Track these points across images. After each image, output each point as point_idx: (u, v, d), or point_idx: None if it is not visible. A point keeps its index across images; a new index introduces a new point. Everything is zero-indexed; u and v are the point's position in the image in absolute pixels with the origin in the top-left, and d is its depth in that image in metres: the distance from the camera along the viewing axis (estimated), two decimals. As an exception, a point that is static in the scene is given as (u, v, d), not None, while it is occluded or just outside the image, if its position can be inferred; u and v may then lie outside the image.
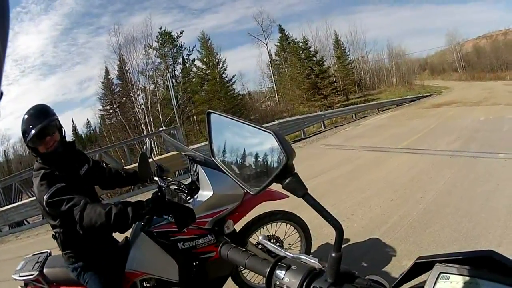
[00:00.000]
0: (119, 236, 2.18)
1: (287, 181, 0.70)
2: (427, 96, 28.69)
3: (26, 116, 1.96)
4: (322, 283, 0.74)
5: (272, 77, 37.40)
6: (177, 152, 8.10)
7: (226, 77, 35.75)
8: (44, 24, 51.64)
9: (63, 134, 2.09)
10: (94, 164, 2.36)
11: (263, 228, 2.70)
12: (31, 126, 1.92)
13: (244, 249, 1.04)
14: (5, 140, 40.21)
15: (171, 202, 1.89)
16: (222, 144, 0.96)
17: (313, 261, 0.82)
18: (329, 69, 37.38)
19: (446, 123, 10.85)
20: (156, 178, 2.27)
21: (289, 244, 2.85)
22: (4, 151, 40.52)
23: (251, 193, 0.79)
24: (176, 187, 2.43)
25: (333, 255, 0.73)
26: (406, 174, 5.20)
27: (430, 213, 3.63)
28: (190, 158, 2.50)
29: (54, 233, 2.12)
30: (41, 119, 1.93)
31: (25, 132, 1.94)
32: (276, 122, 11.44)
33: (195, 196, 2.32)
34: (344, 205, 4.03)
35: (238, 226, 2.53)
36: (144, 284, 2.34)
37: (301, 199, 0.71)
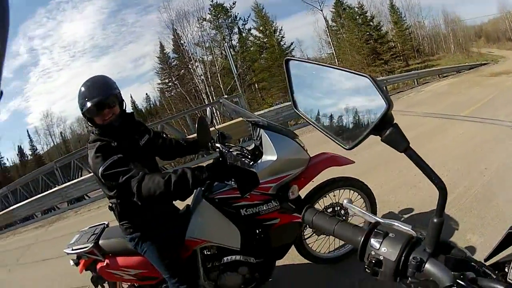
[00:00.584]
0: (180, 204, 2.11)
1: (387, 132, 0.62)
2: (484, 64, 27.59)
3: (82, 89, 1.90)
4: (422, 254, 0.65)
5: (331, 43, 36.33)
6: (240, 119, 8.08)
7: (284, 44, 35.16)
8: (88, 9, 53.64)
9: (124, 108, 2.01)
10: (154, 135, 2.28)
11: (325, 197, 2.52)
12: (87, 99, 1.86)
13: (331, 215, 0.88)
14: (61, 122, 43.14)
15: (233, 166, 1.74)
16: (306, 94, 0.86)
17: (406, 228, 0.72)
18: (387, 34, 35.90)
19: (506, 93, 10.18)
20: (217, 145, 2.15)
21: (354, 212, 2.62)
22: (61, 132, 43.62)
23: (345, 148, 0.71)
24: (239, 152, 2.28)
25: (435, 220, 0.65)
26: (469, 143, 4.91)
27: (494, 185, 3.39)
28: (252, 122, 2.34)
29: (110, 204, 2.09)
30: (99, 91, 1.87)
31: (81, 104, 1.89)
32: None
33: (258, 161, 2.17)
34: (411, 172, 3.74)
35: (302, 193, 2.34)
36: (205, 252, 2.26)
37: (398, 156, 0.64)
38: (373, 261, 0.69)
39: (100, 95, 1.86)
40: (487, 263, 0.65)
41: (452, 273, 0.61)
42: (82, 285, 3.37)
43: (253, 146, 2.36)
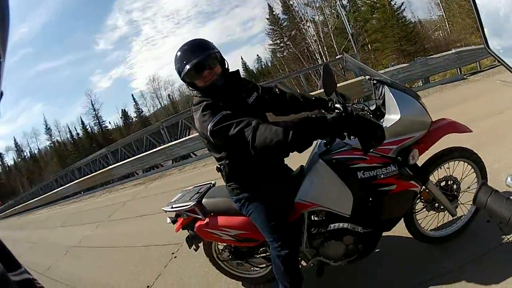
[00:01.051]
0: (293, 166, 2.02)
1: None
2: None
3: (179, 53, 1.83)
4: None
5: (440, 4, 34.54)
6: (352, 81, 7.86)
7: (395, 4, 33.45)
8: (188, -23, 53.29)
9: (226, 67, 1.92)
10: (264, 91, 2.16)
11: (440, 168, 2.28)
12: (185, 62, 1.79)
13: (508, 197, 0.70)
14: (169, 85, 46.04)
15: (359, 117, 1.53)
16: (502, 28, 0.69)
17: None
18: None
19: None
20: (337, 105, 1.98)
21: (468, 187, 2.37)
22: (169, 94, 46.78)
23: None
24: (361, 110, 2.10)
25: None
26: None
27: None
28: (375, 81, 2.14)
29: (218, 166, 2.04)
30: (197, 53, 1.79)
31: (179, 69, 1.83)
32: (453, 51, 10.17)
33: (381, 121, 1.98)
34: None
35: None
36: (312, 217, 2.14)
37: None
38: None
39: (198, 56, 1.77)
40: None
41: None
42: (176, 242, 3.43)
43: (374, 106, 2.16)
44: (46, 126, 46.81)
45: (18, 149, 48.21)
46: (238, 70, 2.03)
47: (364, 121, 1.52)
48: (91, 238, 5.14)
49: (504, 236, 2.26)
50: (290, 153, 1.74)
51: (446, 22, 33.55)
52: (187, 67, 1.77)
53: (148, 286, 3.11)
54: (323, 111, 2.21)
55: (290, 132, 1.49)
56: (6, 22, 0.33)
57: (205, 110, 1.75)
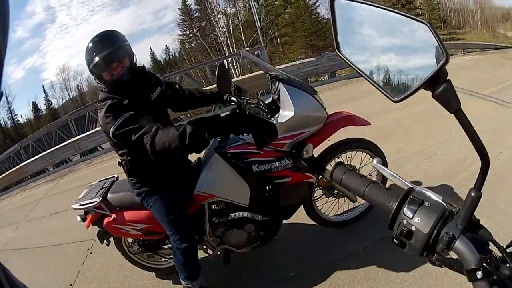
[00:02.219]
0: (191, 157, 2.08)
1: (440, 88, 0.58)
2: (510, 47, 26.84)
3: (90, 44, 1.80)
4: (454, 229, 0.60)
5: None
6: (259, 73, 7.84)
7: (309, 0, 34.02)
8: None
9: (134, 61, 1.90)
10: (167, 86, 2.18)
11: (338, 158, 2.43)
12: (94, 54, 1.77)
13: (362, 174, 0.81)
14: (78, 75, 43.00)
15: (252, 116, 1.66)
16: (351, 37, 0.79)
17: (438, 199, 0.66)
18: (415, 0, 34.95)
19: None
20: (233, 98, 2.04)
21: (369, 174, 2.52)
22: (77, 85, 43.56)
23: (393, 100, 0.66)
24: (255, 105, 2.18)
25: (473, 194, 0.61)
26: (488, 123, 4.69)
27: (507, 169, 3.23)
28: (272, 75, 2.22)
29: (120, 161, 2.07)
30: (107, 45, 1.77)
31: (89, 60, 1.80)
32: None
33: (275, 116, 2.08)
34: (427, 142, 3.69)
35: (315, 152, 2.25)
36: (212, 208, 2.21)
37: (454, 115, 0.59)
38: (404, 231, 0.63)
39: (108, 48, 1.76)
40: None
41: (479, 255, 0.58)
42: (89, 238, 3.37)
43: (270, 100, 2.25)
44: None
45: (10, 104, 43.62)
46: (144, 66, 2.06)
47: (257, 119, 1.62)
48: (14, 240, 4.93)
49: None
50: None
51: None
52: (96, 59, 1.76)
53: (71, 285, 3.05)
54: (220, 104, 2.29)
55: (186, 135, 1.55)
56: (6, 22, 0.33)
57: (108, 111, 1.76)
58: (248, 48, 13.44)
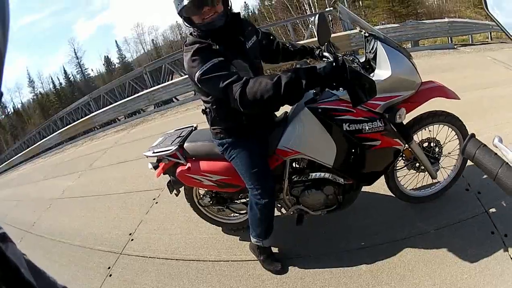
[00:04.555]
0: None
1: None
2: None
3: None
4: None
5: None
6: (341, 34, 7.66)
7: None
8: None
9: (228, 7, 1.77)
10: (263, 36, 2.10)
11: (424, 129, 2.30)
12: None
13: (495, 153, 0.77)
14: (153, 30, 44.95)
15: (352, 69, 1.50)
16: None
17: None
18: None
19: None
20: (326, 54, 1.92)
21: (449, 152, 2.43)
22: (152, 40, 45.71)
23: None
24: (351, 61, 2.04)
25: None
26: None
27: None
28: (367, 34, 2.08)
29: (204, 108, 2.00)
30: None
31: (178, 2, 1.67)
32: (446, 20, 9.92)
33: (371, 75, 1.95)
34: (506, 129, 3.36)
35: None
36: (294, 165, 2.16)
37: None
38: None
39: None
40: None
41: None
42: (157, 188, 3.43)
43: (364, 59, 2.11)
44: (29, 79, 45.40)
45: (2, 106, 46.83)
46: (239, 12, 1.92)
47: (357, 73, 1.50)
48: (73, 188, 5.11)
49: (482, 207, 2.31)
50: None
51: (443, -10, 32.61)
52: (185, 1, 1.63)
53: (130, 234, 3.15)
54: (312, 60, 2.18)
55: (281, 85, 1.47)
56: (6, 22, 0.32)
57: (195, 54, 1.67)
58: (330, 8, 13.08)
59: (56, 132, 12.98)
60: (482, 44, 10.12)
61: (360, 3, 31.40)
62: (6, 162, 18.41)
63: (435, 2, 32.89)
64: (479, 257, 2.00)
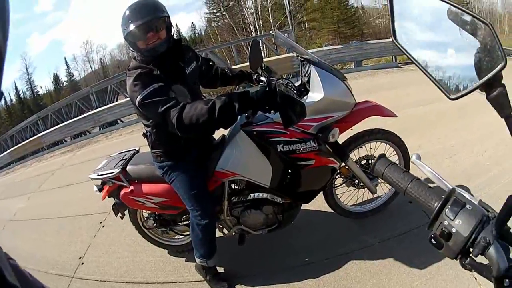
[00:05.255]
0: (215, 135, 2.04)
1: (495, 92, 0.58)
2: None
3: (127, 12, 1.75)
4: (489, 235, 0.60)
5: None
6: (285, 56, 7.76)
7: None
8: None
9: (171, 33, 1.86)
10: (202, 62, 2.17)
11: (361, 147, 2.40)
12: (130, 21, 1.72)
13: (405, 169, 0.80)
14: (101, 48, 43.76)
15: (282, 93, 1.57)
16: (408, 26, 0.78)
17: (474, 202, 0.66)
18: None
19: None
20: (262, 78, 2.03)
21: None
22: (100, 58, 44.46)
23: (449, 97, 0.66)
24: (285, 85, 2.13)
25: None
26: None
27: None
28: (302, 58, 2.19)
29: (145, 132, 2.04)
30: (145, 13, 1.72)
31: (124, 27, 1.75)
32: (391, 39, 10.25)
33: (304, 98, 2.05)
34: (449, 142, 3.61)
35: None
36: (232, 186, 2.19)
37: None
38: (445, 232, 0.63)
39: (145, 17, 1.71)
40: None
41: (508, 263, 0.58)
42: (103, 211, 3.36)
43: (299, 82, 2.21)
44: (-22, 95, 43.50)
45: None
46: (181, 38, 2.01)
47: (286, 97, 1.56)
48: (24, 210, 4.93)
49: (427, 217, 2.40)
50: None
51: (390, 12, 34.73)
52: (132, 26, 1.71)
53: (80, 257, 3.06)
54: (249, 84, 2.25)
55: (216, 109, 1.51)
56: (6, 22, 0.32)
57: (137, 79, 1.72)
58: (276, 30, 13.34)
59: (6, 152, 12.46)
60: None
61: (306, 25, 32.57)
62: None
63: (382, 23, 34.44)
64: (428, 264, 2.07)
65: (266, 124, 1.99)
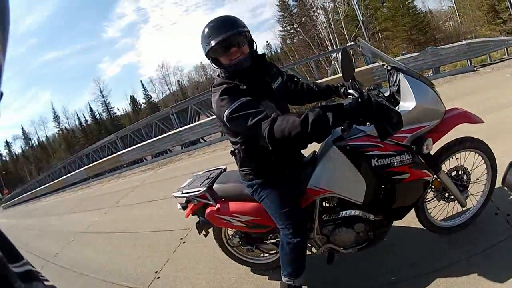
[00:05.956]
0: (305, 152, 2.01)
1: None
2: None
3: (206, 29, 1.76)
4: None
5: None
6: (364, 68, 7.77)
7: None
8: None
9: (254, 48, 1.85)
10: (287, 78, 2.16)
11: (452, 158, 2.27)
12: (210, 38, 1.72)
13: None
14: (178, 71, 46.74)
15: (378, 102, 1.50)
16: None
17: None
18: None
19: None
20: (351, 91, 1.96)
21: (477, 178, 2.38)
22: (178, 80, 47.67)
23: None
24: (376, 95, 2.06)
25: None
26: None
27: None
28: (389, 67, 2.11)
29: (233, 149, 2.02)
30: (226, 29, 1.72)
31: (205, 44, 1.76)
32: (464, 42, 9.99)
33: (396, 108, 1.92)
34: None
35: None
36: (324, 204, 2.14)
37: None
38: None
39: (227, 32, 1.71)
40: None
41: None
42: (184, 227, 3.42)
43: (388, 93, 2.13)
44: (54, 114, 47.53)
45: (26, 137, 48.65)
46: (265, 54, 1.98)
47: (383, 106, 1.50)
48: (99, 224, 5.16)
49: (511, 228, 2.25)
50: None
51: (457, 13, 33.17)
52: (213, 42, 1.71)
53: (157, 272, 3.13)
54: (337, 98, 2.20)
55: (309, 122, 1.47)
56: (6, 22, 0.32)
57: (224, 94, 1.71)
58: (351, 43, 13.37)
59: (82, 168, 13.31)
60: (500, 62, 10.16)
61: (380, 35, 32.29)
62: (30, 192, 18.83)
63: (451, 26, 33.45)
64: None
65: (360, 138, 1.93)
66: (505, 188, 0.95)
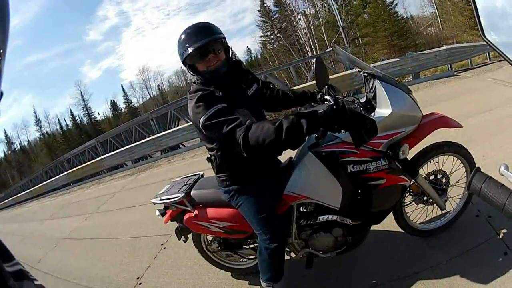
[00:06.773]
0: (281, 157, 2.02)
1: None
2: None
3: (183, 36, 1.76)
4: None
5: (433, 1, 34.48)
6: (345, 73, 7.81)
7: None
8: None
9: (230, 55, 1.86)
10: (263, 85, 2.17)
11: (429, 162, 2.29)
12: (187, 45, 1.73)
13: (502, 184, 0.73)
14: (158, 75, 46.31)
15: (352, 111, 1.50)
16: (499, 21, 0.71)
17: None
18: None
19: None
20: (327, 97, 1.95)
21: (457, 181, 2.40)
22: (158, 85, 47.18)
23: None
24: (351, 102, 2.08)
25: None
26: None
27: None
28: (366, 73, 2.12)
29: (209, 156, 2.01)
30: (202, 36, 1.72)
31: (182, 51, 1.76)
32: (444, 47, 10.02)
33: (371, 115, 1.97)
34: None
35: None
36: (301, 209, 2.14)
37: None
38: None
39: (204, 39, 1.71)
40: None
41: None
42: (164, 233, 3.40)
43: (364, 99, 2.14)
44: (36, 118, 46.38)
45: (8, 141, 47.50)
46: (240, 60, 1.99)
47: (356, 114, 1.50)
48: (80, 229, 5.12)
49: (493, 231, 2.28)
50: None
51: (439, 19, 33.55)
52: (190, 49, 1.71)
53: (138, 277, 3.11)
54: (313, 104, 2.21)
55: (283, 129, 1.47)
56: (6, 23, 0.33)
57: (199, 101, 1.70)
58: (331, 48, 13.47)
59: (64, 173, 13.13)
60: (482, 66, 10.24)
61: (360, 40, 32.35)
62: (12, 197, 18.58)
63: (433, 31, 33.67)
64: (493, 277, 1.97)
65: (335, 144, 1.94)
66: (470, 192, 0.96)
